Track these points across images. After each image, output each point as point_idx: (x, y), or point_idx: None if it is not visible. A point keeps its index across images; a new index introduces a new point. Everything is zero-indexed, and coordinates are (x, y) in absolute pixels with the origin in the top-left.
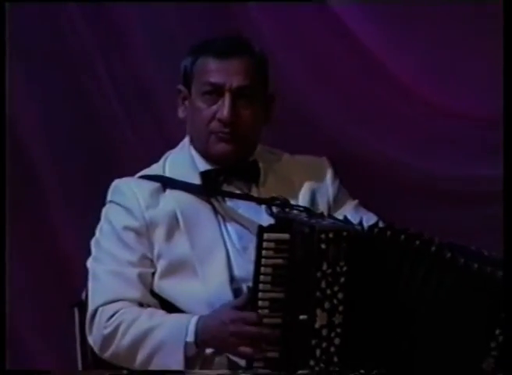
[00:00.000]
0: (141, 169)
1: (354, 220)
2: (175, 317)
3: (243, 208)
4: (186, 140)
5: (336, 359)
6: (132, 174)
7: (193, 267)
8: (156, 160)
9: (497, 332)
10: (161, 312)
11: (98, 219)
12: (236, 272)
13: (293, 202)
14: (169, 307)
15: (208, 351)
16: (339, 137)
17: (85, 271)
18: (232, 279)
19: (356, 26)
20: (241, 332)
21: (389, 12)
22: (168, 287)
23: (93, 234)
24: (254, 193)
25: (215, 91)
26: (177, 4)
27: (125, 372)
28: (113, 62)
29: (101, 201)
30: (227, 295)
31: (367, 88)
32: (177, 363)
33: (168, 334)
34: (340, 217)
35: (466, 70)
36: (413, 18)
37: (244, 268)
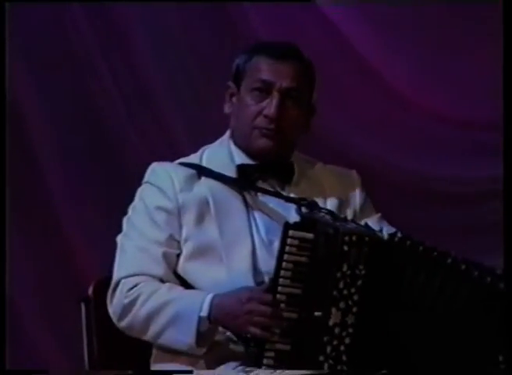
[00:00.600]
0: (142, 166)
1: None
2: (191, 292)
3: (273, 203)
4: (226, 136)
5: (344, 358)
6: (133, 168)
7: (219, 253)
8: (156, 156)
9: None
10: (179, 288)
11: (104, 216)
12: (260, 264)
13: (321, 206)
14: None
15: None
16: (335, 141)
17: (92, 268)
18: (255, 270)
19: (352, 31)
20: (256, 310)
21: (384, 17)
22: (193, 270)
23: (99, 231)
24: (286, 193)
25: (265, 89)
26: (178, 5)
27: (129, 372)
28: (115, 62)
29: (107, 200)
30: (250, 283)
31: (361, 93)
32: (189, 337)
33: (183, 308)
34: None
35: (457, 75)
36: (407, 22)
37: (268, 261)
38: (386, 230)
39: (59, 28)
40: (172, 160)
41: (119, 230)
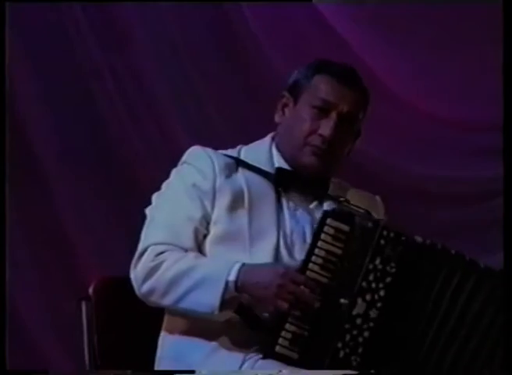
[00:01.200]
0: (143, 169)
1: None
2: (220, 259)
3: (303, 208)
4: (267, 139)
5: (360, 350)
6: (135, 171)
7: (245, 242)
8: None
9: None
10: (205, 257)
11: (106, 216)
12: (281, 262)
13: None
14: None
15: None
16: None
17: (92, 267)
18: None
19: (350, 33)
20: (288, 286)
21: (383, 19)
22: (216, 254)
23: (100, 231)
24: (313, 206)
25: (324, 109)
26: (177, 7)
27: (129, 372)
28: (117, 66)
29: (109, 201)
30: None
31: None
32: (214, 298)
33: (211, 271)
34: None
35: (455, 77)
36: (406, 24)
37: (288, 261)
38: None
39: (61, 31)
40: (171, 161)
41: (120, 230)
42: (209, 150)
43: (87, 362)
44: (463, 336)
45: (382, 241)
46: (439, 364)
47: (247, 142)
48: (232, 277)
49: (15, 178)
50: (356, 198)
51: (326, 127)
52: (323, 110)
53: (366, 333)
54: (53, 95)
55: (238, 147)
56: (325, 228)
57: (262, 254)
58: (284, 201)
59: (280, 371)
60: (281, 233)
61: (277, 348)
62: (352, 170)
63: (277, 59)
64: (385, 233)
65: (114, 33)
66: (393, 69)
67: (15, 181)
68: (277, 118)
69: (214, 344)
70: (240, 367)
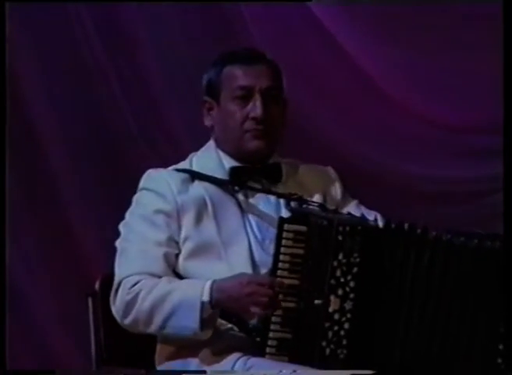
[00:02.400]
0: (148, 166)
1: (357, 214)
2: (191, 281)
3: (263, 204)
4: (211, 143)
5: (344, 342)
6: (139, 168)
7: (219, 251)
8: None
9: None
10: (178, 279)
11: (112, 212)
12: (257, 260)
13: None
14: None
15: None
16: (333, 146)
17: (99, 263)
18: (254, 264)
19: (345, 35)
20: (256, 292)
21: (378, 20)
22: (193, 268)
23: (106, 227)
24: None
25: (246, 94)
26: (179, 8)
27: (143, 371)
28: (121, 67)
29: (115, 197)
30: None
31: (358, 99)
32: (194, 323)
33: (185, 295)
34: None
35: (451, 80)
36: (401, 26)
37: (263, 257)
38: (365, 212)
39: (65, 32)
40: (175, 162)
41: None
42: (163, 171)
43: (93, 357)
44: (435, 308)
45: (340, 237)
46: (418, 335)
47: None
48: (205, 298)
49: (20, 174)
50: (309, 175)
51: (255, 109)
52: (245, 96)
53: (346, 325)
54: (57, 96)
55: (190, 156)
56: (284, 234)
57: (238, 257)
58: (244, 202)
59: (281, 371)
60: (250, 233)
61: (267, 354)
62: (347, 171)
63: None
64: (340, 228)
65: (118, 35)
66: (388, 71)
67: (20, 178)
68: (207, 122)
69: (206, 350)
70: (233, 367)
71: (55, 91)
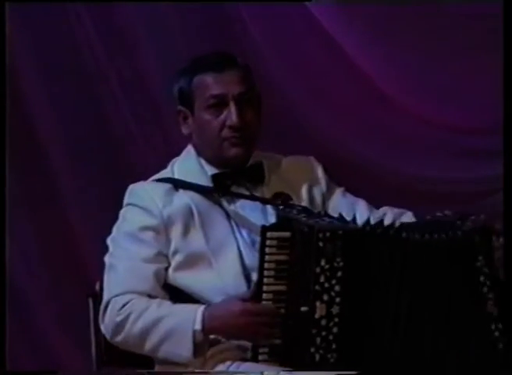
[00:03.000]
0: (148, 166)
1: (345, 205)
2: (182, 307)
3: (249, 207)
4: (190, 148)
5: (334, 346)
6: (139, 168)
7: (209, 260)
8: (160, 161)
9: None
10: (168, 303)
11: (112, 214)
12: (248, 263)
13: (294, 198)
14: (183, 298)
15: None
16: (330, 145)
17: (99, 264)
18: (244, 268)
19: (343, 35)
20: (250, 323)
21: (376, 21)
22: (184, 279)
23: (107, 228)
24: (260, 192)
25: (219, 102)
26: (178, 9)
27: (145, 372)
28: (120, 66)
29: (115, 198)
30: (241, 284)
31: (356, 99)
32: (187, 350)
33: (177, 323)
34: (332, 204)
35: (448, 80)
36: (398, 26)
37: (254, 260)
38: (351, 200)
39: (65, 31)
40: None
41: None
42: (146, 184)
43: (93, 357)
44: (420, 306)
45: (321, 243)
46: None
47: None
48: (197, 326)
49: (20, 174)
50: (292, 169)
51: (231, 117)
52: (219, 104)
53: (335, 330)
54: (58, 97)
55: (171, 162)
56: (268, 242)
57: (228, 264)
58: (230, 207)
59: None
60: (239, 238)
61: (260, 360)
62: (346, 172)
63: (273, 61)
64: (321, 235)
65: (118, 36)
66: (387, 71)
67: (20, 178)
68: (184, 130)
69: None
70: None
71: (55, 90)
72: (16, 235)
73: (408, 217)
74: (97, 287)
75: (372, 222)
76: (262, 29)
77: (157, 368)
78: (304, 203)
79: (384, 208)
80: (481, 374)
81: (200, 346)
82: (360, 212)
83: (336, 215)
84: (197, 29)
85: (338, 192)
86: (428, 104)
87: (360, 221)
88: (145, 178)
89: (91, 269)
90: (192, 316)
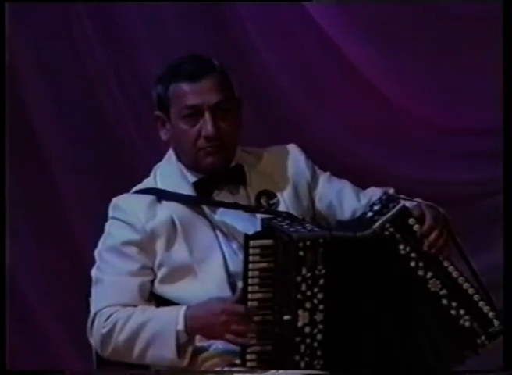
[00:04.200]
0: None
1: (332, 193)
2: (165, 310)
3: (233, 212)
4: (171, 153)
5: (319, 353)
6: (140, 170)
7: (193, 271)
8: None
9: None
10: (152, 308)
11: None
12: (233, 269)
13: (278, 193)
14: None
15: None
16: (328, 147)
17: None
18: (229, 276)
19: (342, 36)
20: (230, 320)
21: (376, 23)
22: (171, 291)
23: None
24: (243, 194)
25: (195, 112)
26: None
27: (153, 371)
28: (122, 70)
29: (115, 196)
30: (226, 291)
31: (354, 100)
32: (171, 352)
33: (160, 325)
34: (319, 194)
35: (446, 82)
36: (398, 28)
37: (240, 267)
38: (337, 186)
39: (65, 32)
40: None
41: None
42: (129, 198)
43: (94, 358)
44: (400, 308)
45: (301, 253)
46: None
47: (245, 144)
48: (180, 326)
49: (20, 175)
50: (275, 162)
51: (206, 127)
52: (194, 114)
53: (319, 336)
54: (57, 98)
55: (154, 168)
56: (251, 250)
57: (213, 274)
58: (213, 214)
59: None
60: (223, 246)
61: (248, 364)
62: (346, 174)
63: (273, 64)
64: (301, 244)
65: (118, 37)
66: (387, 73)
67: (21, 179)
68: (163, 136)
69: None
70: None
71: (55, 92)
72: (16, 236)
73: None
74: None
75: (361, 209)
76: (260, 30)
77: None
78: (289, 197)
79: (371, 189)
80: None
81: (184, 347)
82: (347, 200)
83: (324, 205)
84: (196, 30)
85: (323, 179)
86: (427, 105)
87: (349, 210)
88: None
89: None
90: (174, 317)
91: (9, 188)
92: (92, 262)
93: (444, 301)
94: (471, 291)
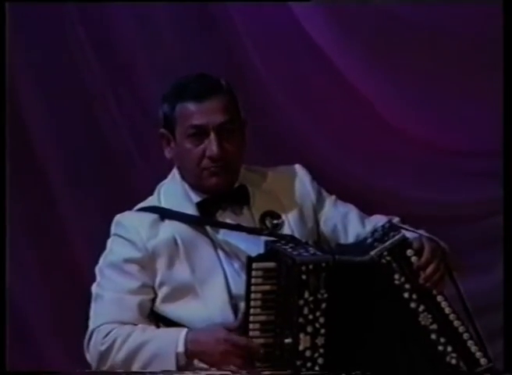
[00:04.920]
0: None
1: (337, 217)
2: (165, 331)
3: (236, 233)
4: (176, 172)
5: None
6: (137, 183)
7: (195, 290)
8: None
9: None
10: (153, 328)
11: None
12: (235, 291)
13: (282, 214)
14: (171, 326)
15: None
16: (324, 164)
17: None
18: (231, 297)
19: (340, 59)
20: (231, 351)
21: (371, 41)
22: (172, 310)
23: (106, 238)
24: (247, 214)
25: (200, 132)
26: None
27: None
28: (123, 94)
29: (114, 211)
30: (227, 313)
31: (354, 122)
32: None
33: (160, 347)
34: (324, 217)
35: (444, 104)
36: (394, 47)
37: (242, 288)
38: (343, 210)
39: (65, 55)
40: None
41: None
42: (132, 216)
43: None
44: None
45: (304, 276)
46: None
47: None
48: (180, 349)
49: (20, 187)
50: (280, 182)
51: (211, 148)
52: (199, 134)
53: (320, 360)
54: (57, 114)
55: (157, 188)
56: (253, 273)
57: (215, 294)
58: (216, 234)
59: None
60: (226, 265)
61: None
62: (346, 196)
63: (270, 81)
64: (303, 268)
65: (116, 55)
66: (385, 94)
67: (20, 190)
68: (167, 154)
69: None
70: None
71: (54, 108)
72: (15, 248)
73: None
74: None
75: (364, 235)
76: (258, 45)
77: None
78: (294, 218)
79: (376, 217)
80: None
81: (183, 369)
82: (352, 224)
83: (328, 228)
84: (196, 48)
85: (329, 202)
86: (427, 126)
87: (353, 235)
88: (143, 197)
89: (89, 279)
90: (174, 339)
91: (9, 203)
92: (90, 275)
93: (433, 336)
94: (461, 328)
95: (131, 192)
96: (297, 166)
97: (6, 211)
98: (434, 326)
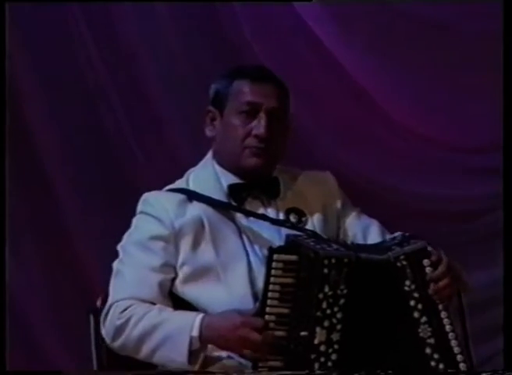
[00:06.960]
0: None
1: (358, 228)
2: (182, 313)
3: (262, 221)
4: (209, 157)
5: (333, 373)
6: (141, 185)
7: (217, 273)
8: (161, 178)
9: None
10: (170, 309)
11: (114, 229)
12: (258, 279)
13: (307, 214)
14: (188, 309)
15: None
16: (331, 162)
17: (100, 279)
18: (252, 285)
19: (343, 55)
20: (248, 336)
21: (375, 38)
22: (192, 292)
23: (108, 244)
24: (274, 207)
25: (252, 111)
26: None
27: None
28: (126, 94)
29: (117, 214)
30: (248, 299)
31: (356, 117)
32: (181, 356)
33: (175, 328)
34: (346, 225)
35: (445, 100)
36: (396, 43)
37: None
38: (365, 222)
39: (66, 50)
40: (175, 176)
41: None
42: (160, 194)
43: (94, 362)
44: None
45: (326, 270)
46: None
47: None
48: (195, 333)
49: (20, 186)
50: (309, 185)
51: (259, 127)
52: (251, 112)
53: (334, 356)
54: (58, 112)
55: (187, 173)
56: (274, 264)
57: (237, 279)
58: (243, 221)
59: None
60: (250, 253)
61: None
62: (346, 190)
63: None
64: (326, 262)
65: (118, 49)
66: (387, 91)
67: (21, 190)
68: (208, 132)
69: None
70: None
71: (55, 107)
72: (16, 249)
73: None
74: (99, 303)
75: None
76: (262, 46)
77: None
78: (318, 219)
79: (398, 234)
80: None
81: (196, 353)
82: (372, 236)
83: (348, 237)
84: (198, 45)
85: (353, 213)
86: (428, 122)
87: None
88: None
89: (92, 286)
90: (190, 322)
91: (9, 201)
92: (90, 274)
93: (428, 350)
94: (456, 349)
95: (133, 190)
96: (327, 173)
97: (6, 209)
98: (431, 341)
